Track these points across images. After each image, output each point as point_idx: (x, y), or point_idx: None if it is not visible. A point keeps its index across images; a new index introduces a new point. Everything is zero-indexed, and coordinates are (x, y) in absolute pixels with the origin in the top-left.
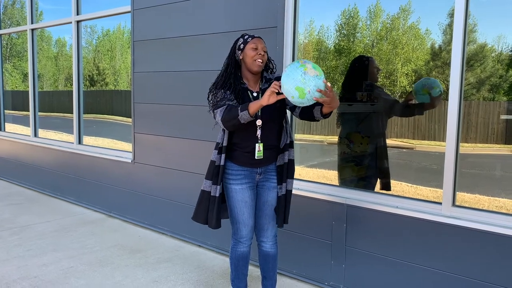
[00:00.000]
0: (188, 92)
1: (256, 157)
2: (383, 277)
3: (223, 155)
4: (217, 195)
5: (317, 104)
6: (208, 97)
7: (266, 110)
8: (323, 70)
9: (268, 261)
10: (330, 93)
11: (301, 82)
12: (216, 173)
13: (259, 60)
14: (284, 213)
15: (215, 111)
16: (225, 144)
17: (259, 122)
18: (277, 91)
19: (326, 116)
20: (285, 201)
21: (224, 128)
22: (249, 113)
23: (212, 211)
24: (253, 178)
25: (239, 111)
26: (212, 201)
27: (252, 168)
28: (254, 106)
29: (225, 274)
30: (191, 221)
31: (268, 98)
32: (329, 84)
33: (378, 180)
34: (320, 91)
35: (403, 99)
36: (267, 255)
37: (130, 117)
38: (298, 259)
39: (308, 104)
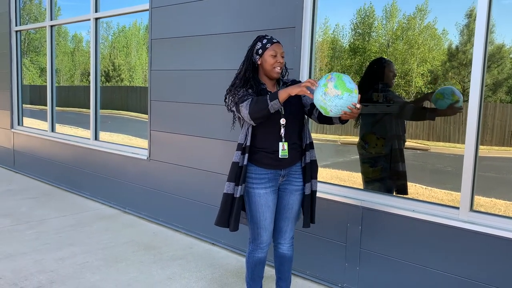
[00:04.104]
0: (205, 91)
1: (280, 156)
2: (397, 281)
3: (246, 155)
4: (239, 195)
5: None
6: (225, 98)
7: (289, 109)
8: (351, 86)
9: (284, 263)
10: (356, 111)
11: (323, 102)
12: (239, 174)
13: (278, 68)
14: (310, 213)
15: (240, 105)
16: (248, 143)
17: (283, 121)
18: (311, 87)
19: (344, 122)
20: (311, 201)
21: (250, 122)
22: (279, 101)
23: (233, 213)
24: (277, 181)
25: (269, 100)
26: (234, 203)
27: (276, 170)
28: (283, 94)
29: (238, 273)
30: (205, 219)
31: (299, 89)
32: (358, 105)
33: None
34: (345, 112)
35: (416, 98)
36: (284, 257)
37: (145, 113)
38: (312, 261)
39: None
